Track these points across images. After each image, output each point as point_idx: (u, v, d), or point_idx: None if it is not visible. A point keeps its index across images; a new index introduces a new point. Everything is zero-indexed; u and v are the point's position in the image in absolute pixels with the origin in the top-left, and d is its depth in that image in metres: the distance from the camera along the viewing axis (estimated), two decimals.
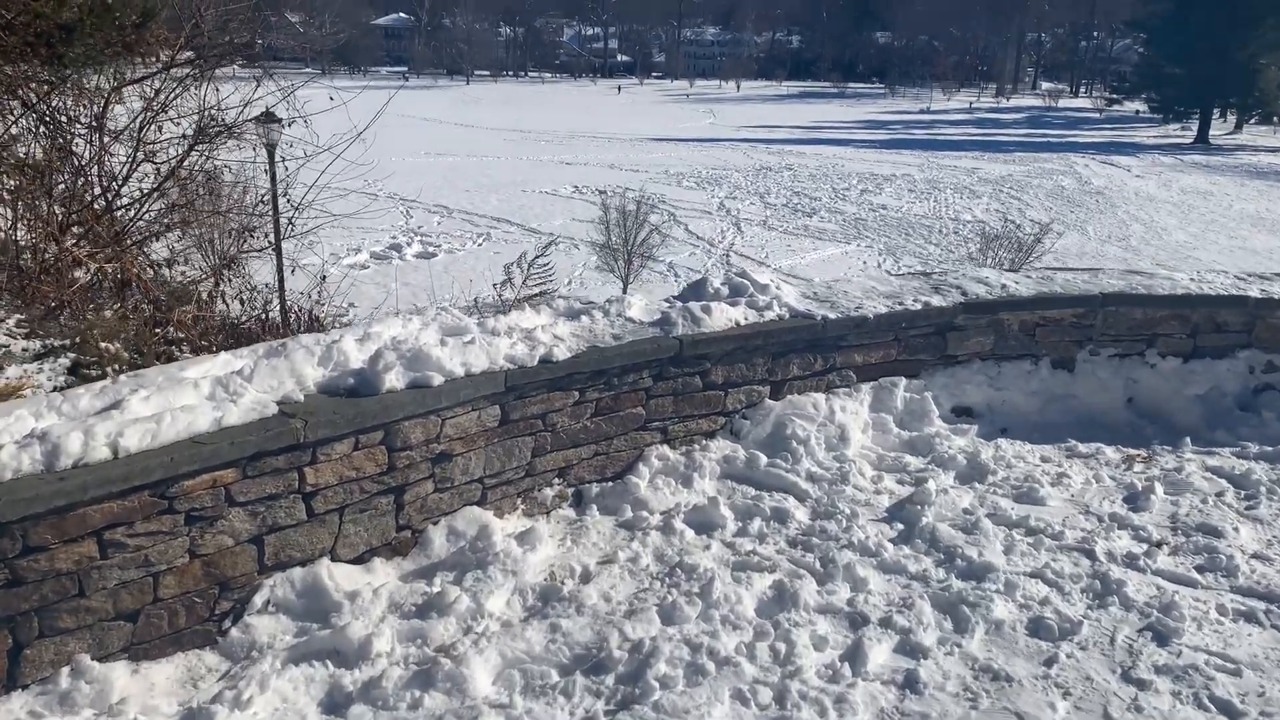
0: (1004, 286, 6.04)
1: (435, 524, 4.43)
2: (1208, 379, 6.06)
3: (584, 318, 5.10)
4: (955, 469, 5.38)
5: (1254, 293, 6.06)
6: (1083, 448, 5.74)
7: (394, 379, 4.19)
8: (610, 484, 4.99)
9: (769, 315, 5.42)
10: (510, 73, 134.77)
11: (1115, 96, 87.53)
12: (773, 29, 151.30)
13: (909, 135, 67.35)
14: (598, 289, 23.79)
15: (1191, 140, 70.46)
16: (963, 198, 43.65)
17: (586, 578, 4.28)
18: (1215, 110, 73.21)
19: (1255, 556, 4.57)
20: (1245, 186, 54.70)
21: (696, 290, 5.62)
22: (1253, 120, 78.55)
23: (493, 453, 4.55)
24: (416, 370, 4.26)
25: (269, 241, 11.75)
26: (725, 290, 5.58)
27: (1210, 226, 44.23)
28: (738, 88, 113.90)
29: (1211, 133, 72.20)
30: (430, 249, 27.20)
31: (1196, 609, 4.15)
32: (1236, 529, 4.79)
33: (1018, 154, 58.05)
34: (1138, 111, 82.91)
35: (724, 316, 5.26)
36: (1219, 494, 5.17)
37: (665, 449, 5.17)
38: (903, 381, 5.81)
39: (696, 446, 5.26)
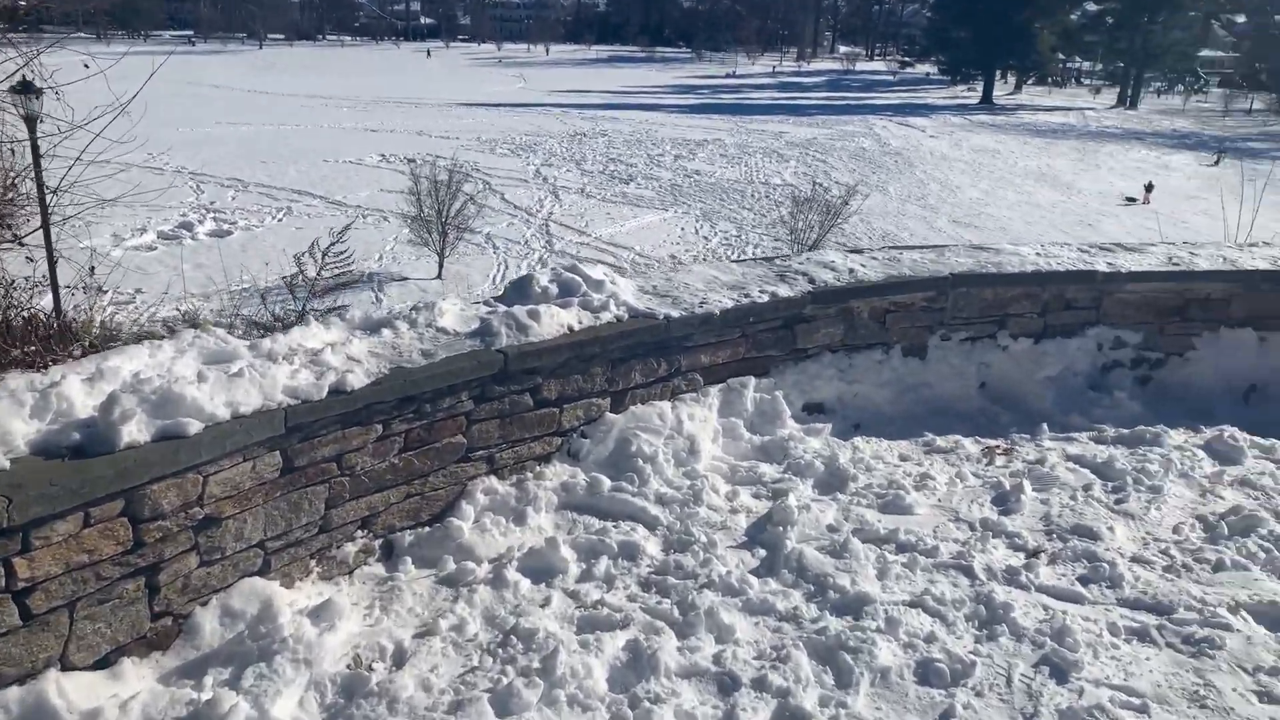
0: (852, 271, 5.57)
1: (204, 605, 3.53)
2: (1059, 359, 5.80)
3: (385, 331, 4.26)
4: (813, 476, 4.87)
5: (1101, 266, 5.83)
6: (941, 441, 5.36)
7: (135, 430, 3.26)
8: (427, 529, 4.20)
9: (606, 317, 4.73)
10: (307, 36, 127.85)
11: (907, 59, 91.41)
12: None
13: (718, 100, 68.13)
14: (411, 264, 22.54)
15: (978, 101, 74.34)
16: (772, 161, 44.38)
17: (400, 659, 3.50)
18: (998, 72, 77.40)
19: (1135, 560, 4.26)
20: (1028, 145, 58.13)
21: (521, 290, 4.85)
22: (1030, 81, 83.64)
23: (275, 510, 3.68)
24: (166, 416, 3.34)
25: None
26: (554, 289, 4.84)
27: (1000, 183, 46.68)
28: (547, 51, 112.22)
29: (995, 93, 76.37)
30: (225, 226, 25.09)
31: (1089, 631, 3.77)
32: (1111, 528, 4.48)
33: (820, 117, 59.61)
34: (928, 74, 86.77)
35: (555, 322, 4.53)
36: (1086, 488, 4.87)
37: (493, 481, 4.42)
38: (752, 381, 5.25)
39: (530, 475, 4.53)
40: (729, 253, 31.39)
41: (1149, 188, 44.26)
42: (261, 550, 3.68)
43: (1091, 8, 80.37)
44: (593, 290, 4.88)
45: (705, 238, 32.21)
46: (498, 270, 24.24)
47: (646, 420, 4.81)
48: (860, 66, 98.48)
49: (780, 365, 5.38)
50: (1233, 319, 5.94)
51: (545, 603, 3.83)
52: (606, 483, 4.54)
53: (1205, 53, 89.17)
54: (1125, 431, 5.41)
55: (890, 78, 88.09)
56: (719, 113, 59.73)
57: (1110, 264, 5.87)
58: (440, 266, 21.88)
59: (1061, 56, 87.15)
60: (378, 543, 4.08)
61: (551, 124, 51.01)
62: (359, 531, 4.02)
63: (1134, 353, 5.97)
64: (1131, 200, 43.80)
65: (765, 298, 5.19)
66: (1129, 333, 5.92)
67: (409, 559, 4.07)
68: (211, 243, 23.57)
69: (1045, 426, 5.48)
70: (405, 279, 21.18)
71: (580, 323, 4.64)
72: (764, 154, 45.76)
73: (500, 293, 5.01)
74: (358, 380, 3.79)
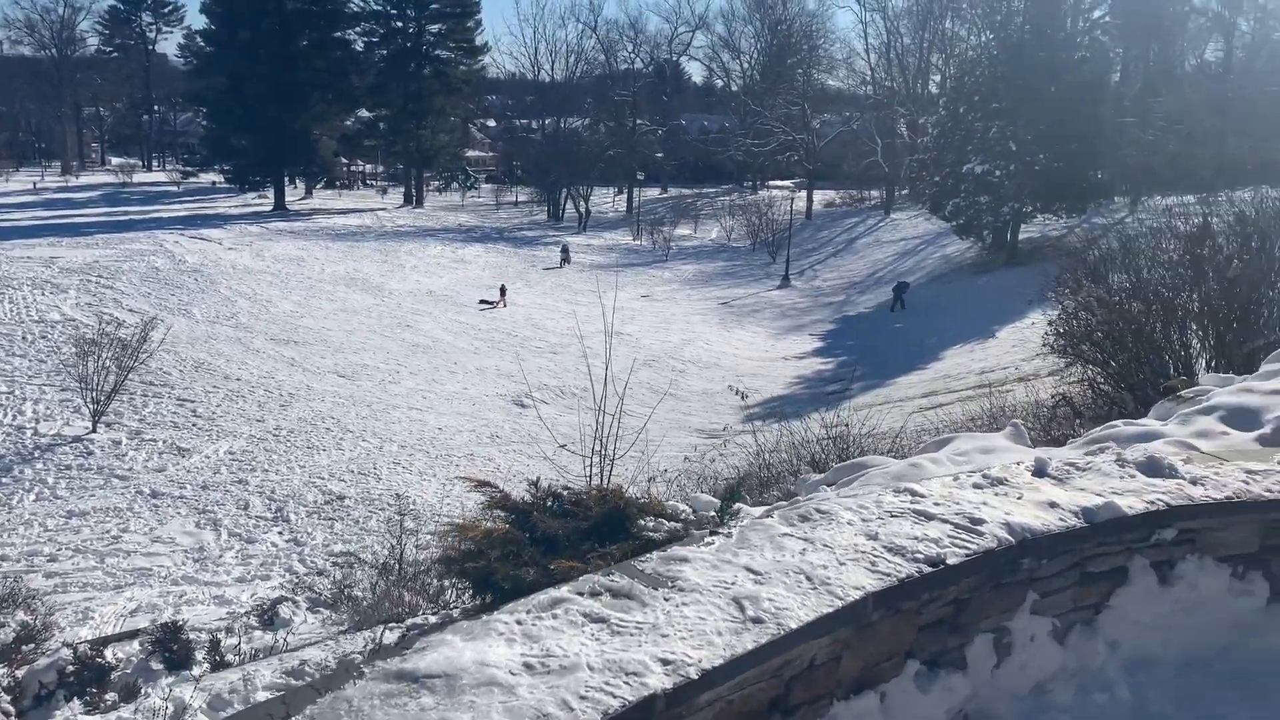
0: None
1: None
2: None
3: None
4: None
5: (655, 682, 2.88)
6: None
7: None
8: None
9: None
10: None
11: (189, 169, 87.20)
12: None
13: None
14: None
15: (271, 208, 73.23)
16: (45, 294, 38.26)
17: None
18: (287, 178, 77.26)
19: None
20: (331, 249, 58.44)
21: None
22: (321, 185, 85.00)
23: None
24: None
25: None
26: None
27: (312, 292, 45.87)
28: None
29: (287, 199, 76.04)
30: None
31: None
32: None
33: (100, 235, 53.39)
34: (214, 183, 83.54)
35: None
36: None
37: None
38: None
39: None
40: None
41: (503, 290, 47.71)
42: None
43: (365, 114, 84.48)
44: None
45: None
46: None
47: None
48: (139, 178, 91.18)
49: None
50: (846, 683, 3.72)
51: None
52: None
53: (471, 153, 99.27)
54: None
55: (175, 188, 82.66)
56: None
57: (664, 659, 3.31)
58: None
59: (345, 160, 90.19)
60: None
61: None
62: None
63: None
64: (489, 304, 46.91)
65: None
66: None
67: None
68: None
69: None
70: None
71: None
72: (33, 285, 39.18)
73: None
74: None
